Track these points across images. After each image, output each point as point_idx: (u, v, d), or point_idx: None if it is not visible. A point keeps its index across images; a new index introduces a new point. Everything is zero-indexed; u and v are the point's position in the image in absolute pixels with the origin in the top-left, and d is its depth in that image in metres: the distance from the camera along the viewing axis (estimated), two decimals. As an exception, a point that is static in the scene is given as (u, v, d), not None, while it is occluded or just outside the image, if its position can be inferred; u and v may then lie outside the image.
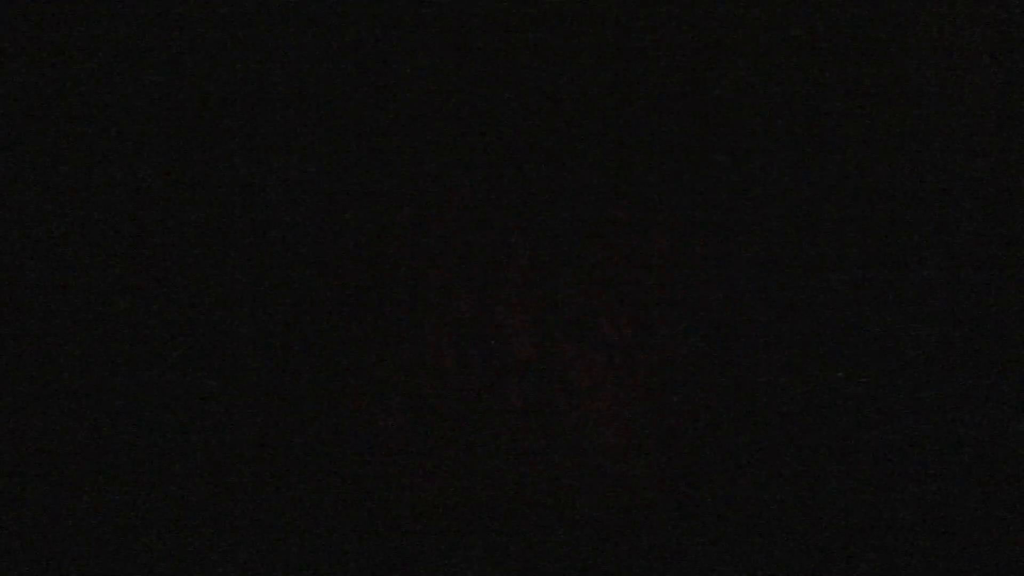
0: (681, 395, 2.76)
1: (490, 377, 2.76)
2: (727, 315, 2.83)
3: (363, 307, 2.74)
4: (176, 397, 2.56)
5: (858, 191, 2.87)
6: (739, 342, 2.84)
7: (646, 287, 2.87)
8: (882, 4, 2.85)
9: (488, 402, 2.75)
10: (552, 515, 2.60)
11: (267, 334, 2.60)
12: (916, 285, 2.86)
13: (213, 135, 2.74)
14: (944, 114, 2.86)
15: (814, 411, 2.77)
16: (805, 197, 2.88)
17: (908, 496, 2.58)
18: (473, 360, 2.82)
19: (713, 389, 2.79)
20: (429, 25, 2.83)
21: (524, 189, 2.85)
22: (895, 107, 2.89)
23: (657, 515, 2.64)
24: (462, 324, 2.82)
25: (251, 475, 2.61)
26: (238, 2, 2.69)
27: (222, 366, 2.55)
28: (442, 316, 2.80)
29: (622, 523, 2.64)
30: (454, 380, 2.82)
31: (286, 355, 2.61)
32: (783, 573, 2.49)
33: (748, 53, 2.83)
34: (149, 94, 2.72)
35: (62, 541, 2.47)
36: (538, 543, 2.53)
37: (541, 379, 2.82)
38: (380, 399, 2.78)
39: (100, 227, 2.68)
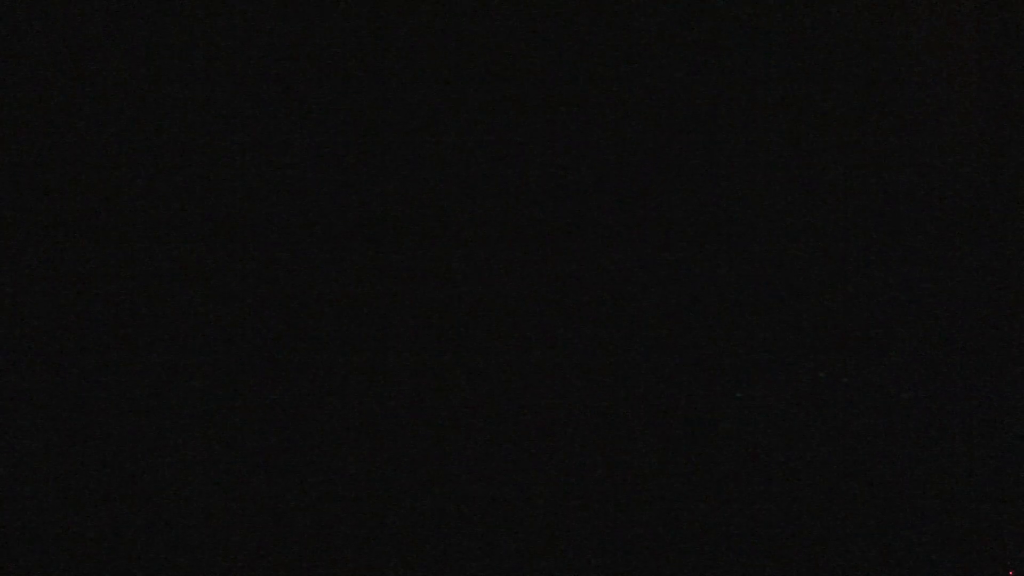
0: (669, 397, 2.78)
1: (480, 379, 2.78)
2: (714, 315, 2.85)
3: (347, 311, 2.74)
4: (171, 397, 2.56)
5: (847, 192, 2.89)
6: (727, 343, 2.86)
7: (639, 287, 2.89)
8: (873, 6, 2.87)
9: (482, 404, 2.76)
10: (539, 517, 2.61)
11: (265, 334, 2.61)
12: (902, 285, 2.87)
13: (209, 133, 2.75)
14: (934, 114, 2.88)
15: (801, 412, 2.79)
16: (791, 197, 2.90)
17: (892, 496, 2.59)
18: (464, 361, 2.83)
19: (701, 390, 2.81)
20: (422, 23, 2.84)
21: (521, 189, 2.87)
22: (885, 108, 2.92)
23: (646, 517, 2.66)
24: (454, 325, 2.84)
25: (248, 476, 2.61)
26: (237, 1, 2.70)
27: (219, 365, 2.56)
28: (432, 315, 2.81)
29: (611, 525, 2.65)
30: (445, 382, 2.83)
31: (284, 355, 2.62)
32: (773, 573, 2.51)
33: (737, 54, 2.85)
34: (149, 91, 2.72)
35: (56, 542, 2.47)
36: (526, 544, 2.54)
37: (535, 379, 2.83)
38: (363, 403, 2.78)
39: (97, 226, 2.68)
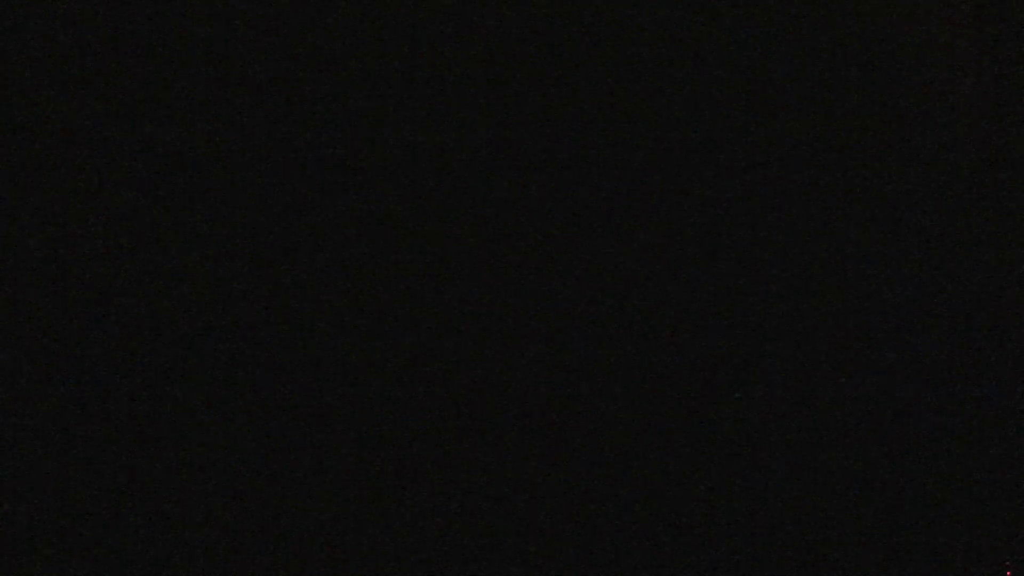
0: (672, 395, 2.78)
1: (478, 379, 2.78)
2: (714, 315, 2.84)
3: (355, 307, 2.74)
4: (172, 398, 2.56)
5: (845, 192, 2.89)
6: (726, 342, 2.86)
7: (638, 287, 2.89)
8: (871, 6, 2.87)
9: (486, 404, 2.76)
10: (536, 518, 2.61)
11: (268, 334, 2.60)
12: (900, 285, 2.87)
13: (208, 133, 2.74)
14: (931, 113, 2.88)
15: (798, 411, 2.80)
16: (788, 197, 2.90)
17: (891, 496, 2.60)
18: (461, 361, 2.83)
19: (702, 391, 2.81)
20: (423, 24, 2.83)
21: (523, 190, 2.86)
22: (883, 107, 2.92)
23: (645, 517, 2.66)
24: (451, 324, 2.83)
25: (251, 476, 2.61)
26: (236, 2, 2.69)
27: (220, 364, 2.56)
28: (434, 317, 2.81)
29: (612, 525, 2.65)
30: (442, 383, 2.83)
31: (287, 357, 2.61)
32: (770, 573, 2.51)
33: (735, 53, 2.85)
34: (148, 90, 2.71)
35: (57, 541, 2.47)
36: (523, 545, 2.54)
37: (536, 379, 2.84)
38: (366, 402, 2.78)
39: (94, 226, 2.68)
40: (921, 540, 2.61)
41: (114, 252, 2.60)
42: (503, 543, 2.56)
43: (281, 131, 2.74)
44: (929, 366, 2.81)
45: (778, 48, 2.90)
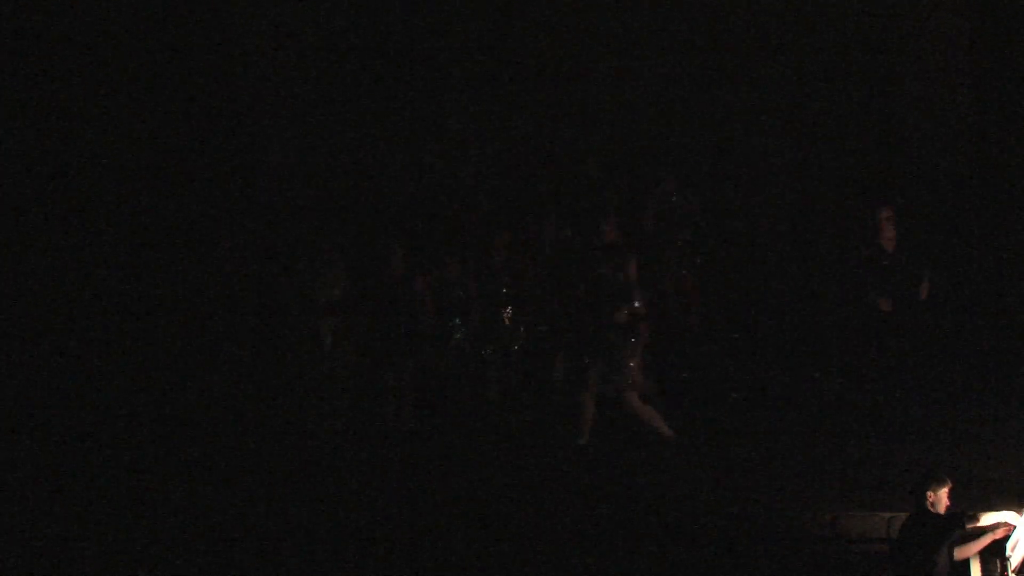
0: (672, 390, 2.77)
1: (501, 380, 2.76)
2: (720, 315, 2.84)
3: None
4: (178, 396, 2.54)
5: (844, 191, 2.89)
6: (724, 344, 2.85)
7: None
8: (870, 16, 2.87)
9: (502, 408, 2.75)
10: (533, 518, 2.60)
11: (273, 337, 2.58)
12: (890, 284, 2.87)
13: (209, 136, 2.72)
14: (925, 118, 2.89)
15: (797, 408, 2.80)
16: (788, 198, 2.90)
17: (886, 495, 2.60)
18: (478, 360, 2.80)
19: (700, 389, 2.81)
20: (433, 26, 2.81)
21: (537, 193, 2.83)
22: (879, 110, 2.92)
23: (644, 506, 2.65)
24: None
25: (258, 475, 2.58)
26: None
27: (228, 361, 2.54)
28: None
29: (608, 516, 2.65)
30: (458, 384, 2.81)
31: (291, 360, 2.59)
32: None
33: (736, 53, 2.85)
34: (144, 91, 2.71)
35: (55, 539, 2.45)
36: (530, 540, 2.53)
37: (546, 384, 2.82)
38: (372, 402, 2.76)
39: (89, 228, 2.66)
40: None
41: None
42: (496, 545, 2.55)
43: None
44: (926, 366, 2.81)
45: (779, 51, 2.89)
